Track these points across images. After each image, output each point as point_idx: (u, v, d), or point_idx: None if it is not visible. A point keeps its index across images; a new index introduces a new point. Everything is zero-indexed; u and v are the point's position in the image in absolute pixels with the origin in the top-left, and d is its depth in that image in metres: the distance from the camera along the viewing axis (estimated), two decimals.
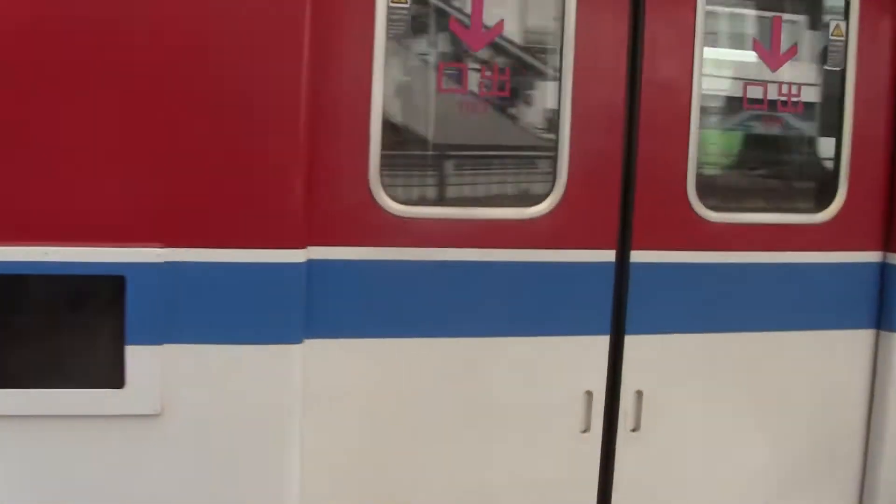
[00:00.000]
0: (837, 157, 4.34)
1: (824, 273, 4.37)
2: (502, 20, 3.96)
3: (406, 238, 3.85)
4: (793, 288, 4.33)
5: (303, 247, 3.71)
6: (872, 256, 4.45)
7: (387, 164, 3.81)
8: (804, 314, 4.36)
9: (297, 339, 3.74)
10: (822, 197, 4.38)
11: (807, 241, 4.34)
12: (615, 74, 3.99)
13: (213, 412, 3.68)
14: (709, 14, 4.11)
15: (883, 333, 4.48)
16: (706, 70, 4.11)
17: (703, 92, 4.11)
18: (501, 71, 3.96)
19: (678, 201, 4.12)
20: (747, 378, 4.31)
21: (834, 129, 4.35)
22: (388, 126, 3.82)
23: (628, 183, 4.06)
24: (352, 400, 3.88)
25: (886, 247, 4.46)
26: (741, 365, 4.29)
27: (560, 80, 3.94)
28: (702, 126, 4.13)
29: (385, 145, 3.78)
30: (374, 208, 3.80)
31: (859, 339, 4.46)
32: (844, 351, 4.44)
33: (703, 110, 4.13)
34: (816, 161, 4.57)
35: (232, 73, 3.55)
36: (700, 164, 4.16)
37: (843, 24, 4.30)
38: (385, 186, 3.81)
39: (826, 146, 4.44)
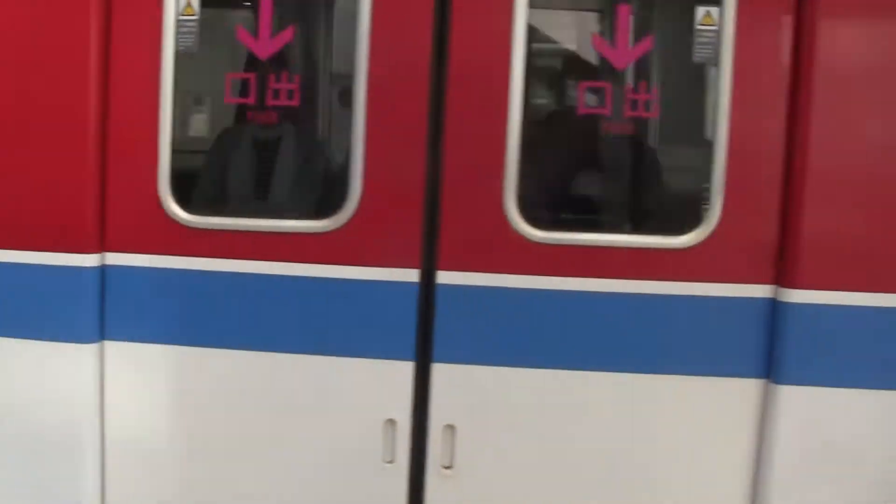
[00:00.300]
0: (709, 168, 3.61)
1: (685, 309, 3.66)
2: (293, 27, 3.81)
3: (196, 248, 3.85)
4: (642, 324, 3.68)
5: (95, 252, 3.86)
6: (756, 290, 3.64)
7: (178, 173, 3.83)
8: (653, 355, 3.68)
9: (90, 339, 3.89)
10: (690, 216, 3.68)
11: (664, 269, 3.66)
12: (416, 74, 3.67)
13: (14, 404, 3.95)
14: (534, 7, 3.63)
15: (771, 385, 3.65)
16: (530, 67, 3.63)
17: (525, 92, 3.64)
18: (290, 80, 3.81)
19: (493, 217, 3.69)
20: (577, 421, 3.73)
21: (703, 135, 3.63)
22: (182, 135, 3.84)
23: (434, 197, 3.71)
24: (150, 403, 3.95)
25: (777, 280, 3.63)
26: (572, 406, 3.73)
27: (353, 86, 3.71)
28: (525, 132, 3.65)
29: (176, 154, 3.81)
30: (164, 218, 3.84)
31: (735, 390, 3.67)
32: (711, 402, 3.68)
33: (526, 114, 3.65)
34: (682, 174, 3.83)
35: (22, 84, 3.78)
36: (524, 177, 3.68)
37: (714, 11, 3.57)
38: (176, 196, 3.83)
39: (692, 154, 3.72)
